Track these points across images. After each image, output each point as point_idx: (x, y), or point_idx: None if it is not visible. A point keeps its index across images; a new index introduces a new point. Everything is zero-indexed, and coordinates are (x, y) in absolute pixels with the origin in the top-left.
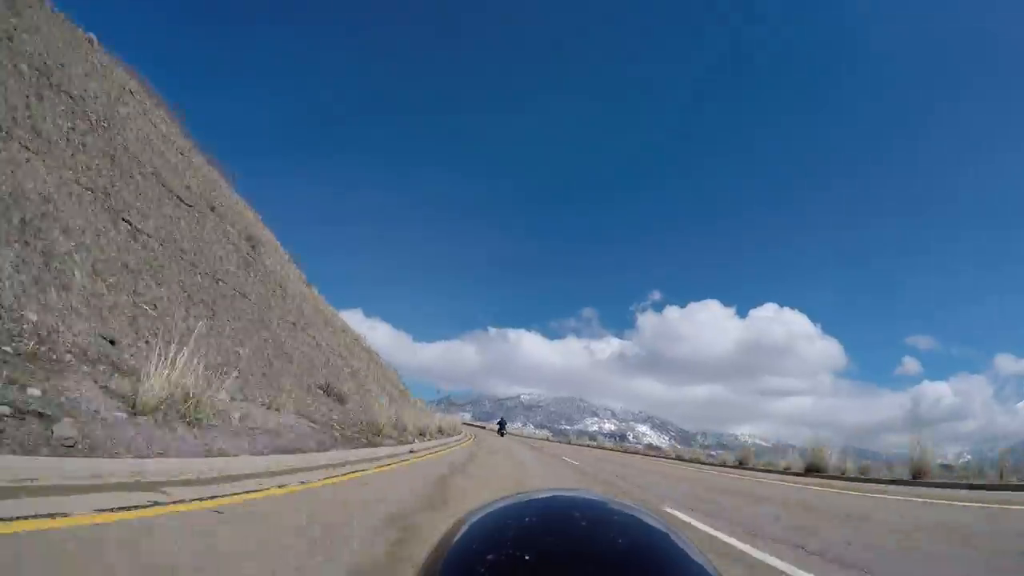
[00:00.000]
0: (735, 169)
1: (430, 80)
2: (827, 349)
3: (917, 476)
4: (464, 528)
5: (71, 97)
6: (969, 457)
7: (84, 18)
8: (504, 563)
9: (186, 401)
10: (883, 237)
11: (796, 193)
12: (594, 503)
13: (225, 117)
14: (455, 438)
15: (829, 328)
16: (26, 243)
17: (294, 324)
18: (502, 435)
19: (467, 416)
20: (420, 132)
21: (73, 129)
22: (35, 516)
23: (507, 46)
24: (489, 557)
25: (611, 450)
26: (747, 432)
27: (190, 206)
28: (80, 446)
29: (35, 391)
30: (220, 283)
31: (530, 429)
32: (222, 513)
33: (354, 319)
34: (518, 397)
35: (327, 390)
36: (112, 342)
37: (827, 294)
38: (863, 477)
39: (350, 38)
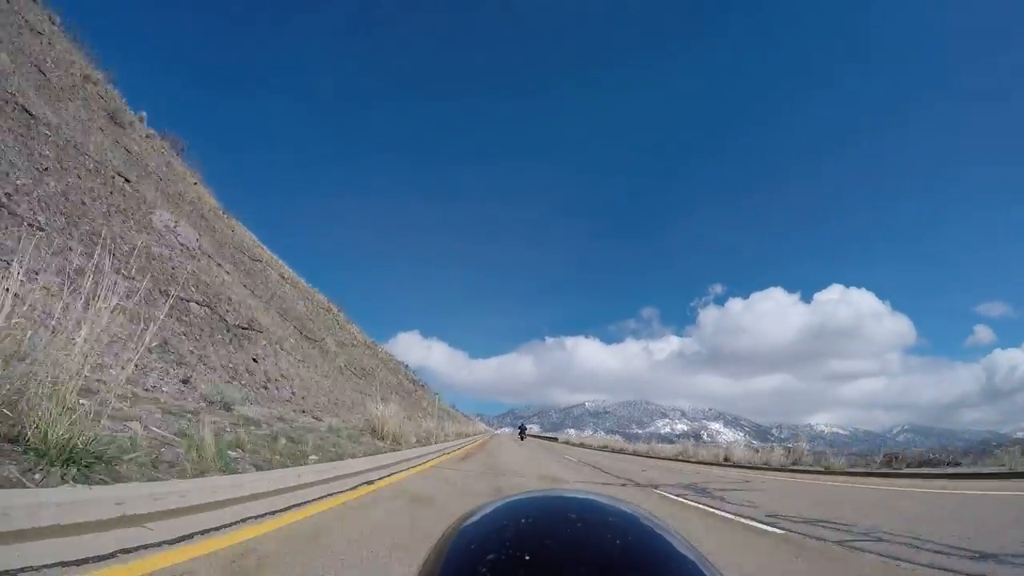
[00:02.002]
0: (786, 148)
1: (469, 95)
2: (896, 326)
3: None
4: (464, 528)
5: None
6: None
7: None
8: (504, 563)
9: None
10: (943, 200)
11: (849, 162)
12: (593, 503)
13: (278, 149)
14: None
15: (899, 304)
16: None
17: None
18: (522, 438)
19: (536, 428)
20: (472, 151)
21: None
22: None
23: (551, 49)
24: (489, 557)
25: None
26: (823, 421)
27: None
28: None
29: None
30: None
31: (601, 436)
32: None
33: (411, 340)
34: (583, 405)
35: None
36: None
37: (892, 267)
38: None
39: (407, 60)
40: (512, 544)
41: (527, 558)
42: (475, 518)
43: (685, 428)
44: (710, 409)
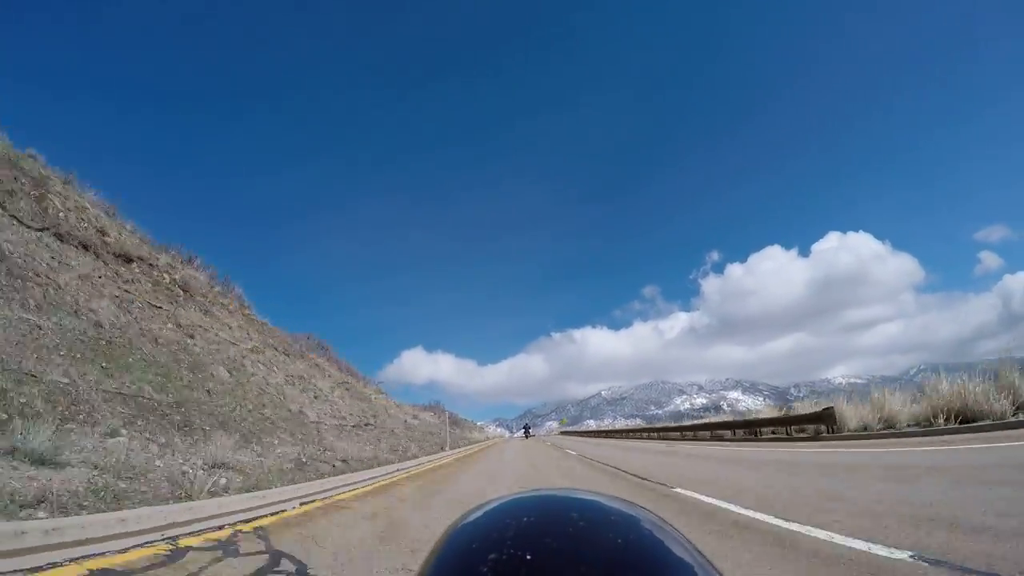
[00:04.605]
0: (753, 93)
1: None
2: (902, 265)
3: None
4: (465, 525)
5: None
6: None
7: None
8: (505, 562)
9: None
10: (922, 124)
11: (827, 96)
12: (597, 503)
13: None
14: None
15: (898, 242)
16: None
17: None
18: (527, 437)
19: (554, 425)
20: (454, 162)
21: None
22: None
23: (514, 45)
24: (491, 556)
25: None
26: (840, 374)
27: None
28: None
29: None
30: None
31: (621, 423)
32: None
33: (416, 357)
34: (599, 394)
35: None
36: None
37: (883, 204)
38: None
39: (396, 88)
40: (513, 543)
41: (528, 557)
42: (477, 516)
43: (704, 402)
44: (727, 379)
